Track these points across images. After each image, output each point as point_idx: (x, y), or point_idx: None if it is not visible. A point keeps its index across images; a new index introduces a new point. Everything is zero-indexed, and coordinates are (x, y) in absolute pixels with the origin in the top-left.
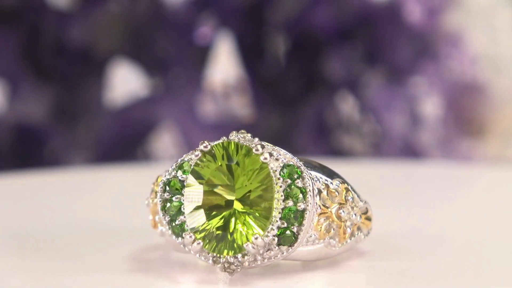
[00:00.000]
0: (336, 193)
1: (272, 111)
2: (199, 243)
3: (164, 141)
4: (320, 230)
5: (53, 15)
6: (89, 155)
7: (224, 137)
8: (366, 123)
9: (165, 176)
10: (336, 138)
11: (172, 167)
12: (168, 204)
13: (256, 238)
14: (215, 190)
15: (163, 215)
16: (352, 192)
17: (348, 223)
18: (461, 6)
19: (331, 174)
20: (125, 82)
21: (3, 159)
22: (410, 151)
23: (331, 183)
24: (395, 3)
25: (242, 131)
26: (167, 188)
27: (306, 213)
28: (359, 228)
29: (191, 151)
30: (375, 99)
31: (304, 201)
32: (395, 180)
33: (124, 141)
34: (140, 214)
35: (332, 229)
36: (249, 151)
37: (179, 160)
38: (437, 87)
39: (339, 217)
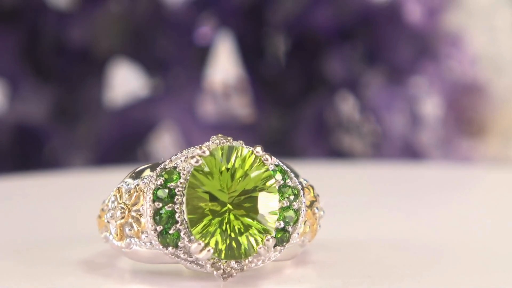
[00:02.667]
0: (308, 190)
1: (272, 111)
2: (209, 250)
3: (164, 141)
4: (301, 229)
5: (53, 15)
6: (89, 155)
7: (207, 142)
8: (366, 123)
9: (148, 185)
10: (336, 138)
11: (154, 177)
12: (160, 214)
13: (268, 240)
14: (211, 195)
15: (152, 225)
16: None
17: (318, 221)
18: (461, 6)
19: (296, 173)
20: (125, 82)
21: (3, 160)
22: (410, 151)
23: (301, 181)
24: (395, 3)
25: (219, 135)
26: (157, 197)
27: (300, 212)
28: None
29: (172, 158)
30: (375, 99)
31: (297, 200)
32: (395, 181)
33: (124, 141)
34: None
35: (308, 227)
36: (247, 154)
37: (158, 169)
38: (437, 87)
39: (314, 214)
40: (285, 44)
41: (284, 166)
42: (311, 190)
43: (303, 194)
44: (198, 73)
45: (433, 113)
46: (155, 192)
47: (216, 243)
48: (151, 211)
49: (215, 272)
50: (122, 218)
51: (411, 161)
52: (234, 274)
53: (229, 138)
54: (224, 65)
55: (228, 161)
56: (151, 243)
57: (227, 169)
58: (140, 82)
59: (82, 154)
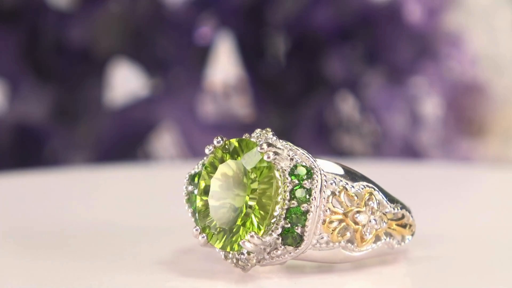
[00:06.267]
0: (355, 197)
1: (272, 111)
2: (203, 237)
3: (164, 141)
4: (332, 233)
5: (53, 15)
6: (89, 155)
7: (246, 134)
8: (366, 123)
9: (193, 170)
10: (336, 138)
11: (201, 161)
12: (192, 197)
13: (251, 236)
14: (226, 185)
15: (188, 207)
16: (379, 197)
17: (367, 228)
18: (461, 6)
19: (356, 178)
20: (125, 82)
21: (3, 159)
22: (410, 151)
23: (352, 186)
24: (395, 3)
25: (267, 129)
26: (192, 181)
27: (309, 215)
28: (389, 234)
29: (207, 146)
30: (375, 99)
31: (308, 202)
32: (395, 181)
33: (124, 141)
34: (141, 213)
35: (348, 233)
36: (257, 149)
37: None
38: (437, 87)
39: (355, 221)
40: (285, 44)
41: (316, 168)
42: (364, 197)
43: (321, 197)
44: (198, 73)
45: (433, 113)
46: (192, 176)
47: (220, 232)
48: (186, 194)
49: (228, 262)
50: None
51: (411, 161)
52: (248, 266)
53: (265, 134)
54: (224, 65)
55: (245, 154)
56: None
57: (243, 162)
58: (140, 82)
59: (82, 154)
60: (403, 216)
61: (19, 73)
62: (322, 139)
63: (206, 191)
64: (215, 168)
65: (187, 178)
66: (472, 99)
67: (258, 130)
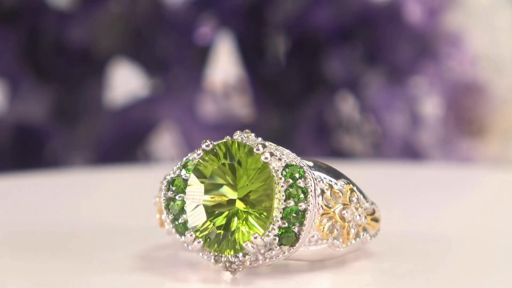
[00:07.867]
0: (340, 193)
1: (272, 111)
2: (199, 242)
3: (164, 141)
4: (323, 231)
5: (53, 15)
6: (89, 155)
7: (228, 136)
8: (366, 123)
9: (169, 175)
10: (336, 138)
11: (177, 166)
12: (172, 203)
13: (255, 238)
14: (217, 189)
15: (166, 214)
16: (358, 193)
17: (352, 224)
18: (461, 6)
19: (337, 175)
20: (125, 82)
21: (3, 159)
22: (410, 151)
23: (336, 183)
24: (395, 3)
25: (247, 130)
26: (171, 187)
27: (307, 213)
28: (364, 229)
29: (195, 150)
30: (375, 99)
31: (305, 201)
32: (395, 181)
33: (124, 141)
34: (140, 213)
35: (336, 230)
36: (250, 151)
37: (184, 159)
38: (437, 87)
39: (342, 218)
40: (285, 44)
41: (305, 167)
42: (347, 194)
43: (316, 195)
44: (198, 73)
45: (433, 113)
46: (170, 181)
47: (215, 236)
48: (164, 200)
49: (219, 266)
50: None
51: (411, 161)
52: (240, 269)
53: (249, 135)
54: (224, 65)
55: (236, 156)
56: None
57: (234, 165)
58: (140, 82)
59: (82, 155)
60: (374, 211)
61: (19, 73)
62: (322, 139)
63: (196, 196)
64: (203, 173)
65: (164, 184)
66: (472, 99)
67: (238, 132)
